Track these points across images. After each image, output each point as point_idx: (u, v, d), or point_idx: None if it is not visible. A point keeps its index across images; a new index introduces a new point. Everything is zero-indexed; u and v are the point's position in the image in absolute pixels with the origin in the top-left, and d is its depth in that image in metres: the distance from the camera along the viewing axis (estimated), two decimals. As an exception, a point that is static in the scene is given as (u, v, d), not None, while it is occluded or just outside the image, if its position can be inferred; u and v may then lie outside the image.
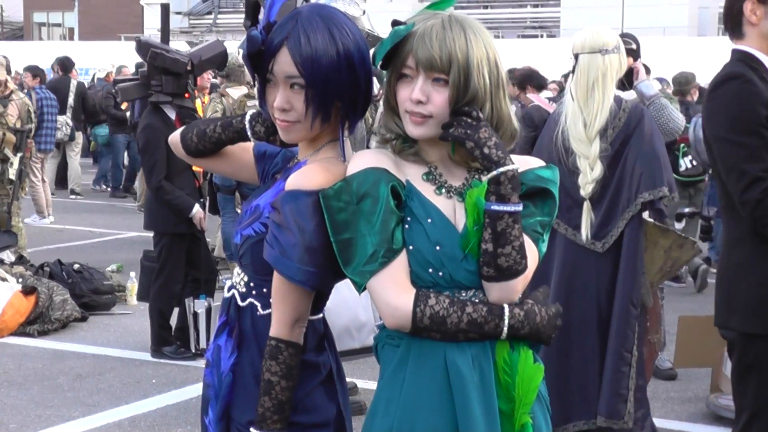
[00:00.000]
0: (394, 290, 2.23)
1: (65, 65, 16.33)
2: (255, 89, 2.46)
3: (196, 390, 6.28)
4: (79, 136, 15.87)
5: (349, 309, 5.12)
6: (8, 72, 9.81)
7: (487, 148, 2.23)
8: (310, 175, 2.30)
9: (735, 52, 3.45)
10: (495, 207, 2.22)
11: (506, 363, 2.27)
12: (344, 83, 2.34)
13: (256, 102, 2.53)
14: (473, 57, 2.24)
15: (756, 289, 3.32)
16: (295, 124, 2.37)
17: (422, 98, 2.25)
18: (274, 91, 2.37)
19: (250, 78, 9.63)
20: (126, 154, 16.18)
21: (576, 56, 4.66)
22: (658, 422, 5.05)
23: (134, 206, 14.19)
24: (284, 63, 2.32)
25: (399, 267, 2.24)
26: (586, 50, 4.63)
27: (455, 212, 2.30)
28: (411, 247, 2.26)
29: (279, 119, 2.38)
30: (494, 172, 2.22)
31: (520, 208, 2.24)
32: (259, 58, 2.34)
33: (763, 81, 3.31)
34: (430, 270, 2.26)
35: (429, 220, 2.27)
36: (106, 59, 20.99)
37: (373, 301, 2.28)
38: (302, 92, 2.33)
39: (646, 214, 4.92)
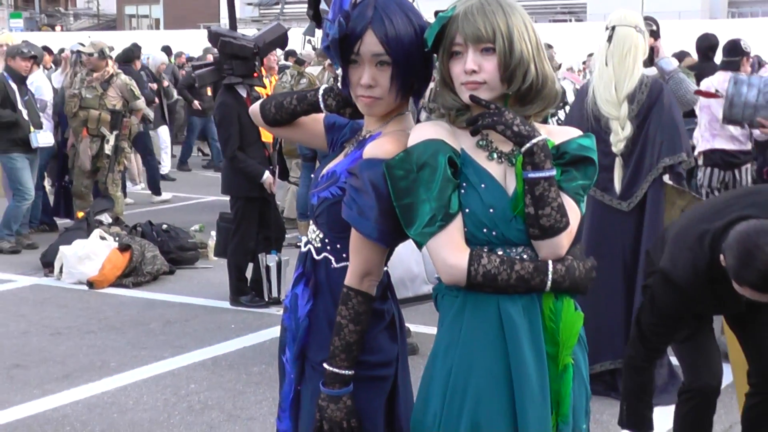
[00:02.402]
0: (451, 250, 2.20)
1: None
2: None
3: (269, 333, 6.33)
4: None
5: (403, 262, 5.12)
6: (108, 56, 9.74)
7: (516, 126, 2.20)
8: (385, 145, 2.30)
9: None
10: (532, 175, 2.19)
11: (551, 311, 2.25)
12: (420, 60, 2.34)
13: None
14: (513, 24, 2.22)
15: None
16: (378, 100, 2.36)
17: (475, 68, 2.22)
18: (359, 71, 2.35)
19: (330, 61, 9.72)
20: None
21: (613, 27, 4.77)
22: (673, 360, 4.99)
23: (213, 176, 14.14)
24: (371, 43, 2.30)
25: (455, 229, 2.21)
26: (624, 23, 4.75)
27: (506, 176, 2.27)
28: (467, 210, 2.23)
29: (363, 95, 2.36)
30: (527, 145, 2.19)
31: (553, 172, 2.21)
32: (344, 41, 2.32)
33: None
34: (485, 230, 2.23)
35: (483, 186, 2.24)
36: (188, 46, 21.07)
37: (431, 259, 2.26)
38: (387, 69, 2.32)
39: (666, 178, 4.88)
